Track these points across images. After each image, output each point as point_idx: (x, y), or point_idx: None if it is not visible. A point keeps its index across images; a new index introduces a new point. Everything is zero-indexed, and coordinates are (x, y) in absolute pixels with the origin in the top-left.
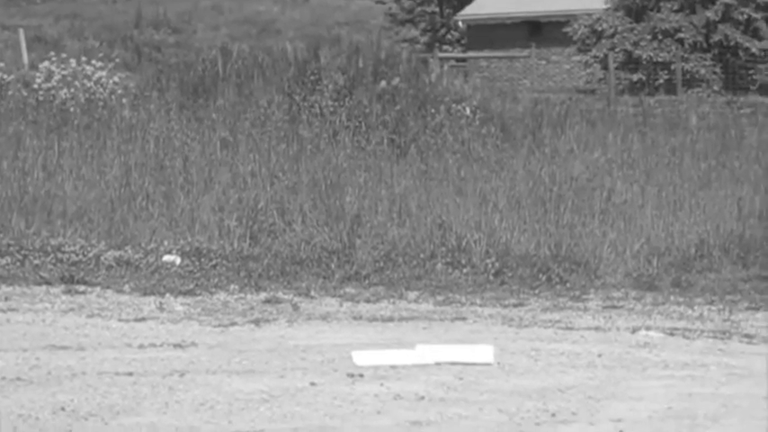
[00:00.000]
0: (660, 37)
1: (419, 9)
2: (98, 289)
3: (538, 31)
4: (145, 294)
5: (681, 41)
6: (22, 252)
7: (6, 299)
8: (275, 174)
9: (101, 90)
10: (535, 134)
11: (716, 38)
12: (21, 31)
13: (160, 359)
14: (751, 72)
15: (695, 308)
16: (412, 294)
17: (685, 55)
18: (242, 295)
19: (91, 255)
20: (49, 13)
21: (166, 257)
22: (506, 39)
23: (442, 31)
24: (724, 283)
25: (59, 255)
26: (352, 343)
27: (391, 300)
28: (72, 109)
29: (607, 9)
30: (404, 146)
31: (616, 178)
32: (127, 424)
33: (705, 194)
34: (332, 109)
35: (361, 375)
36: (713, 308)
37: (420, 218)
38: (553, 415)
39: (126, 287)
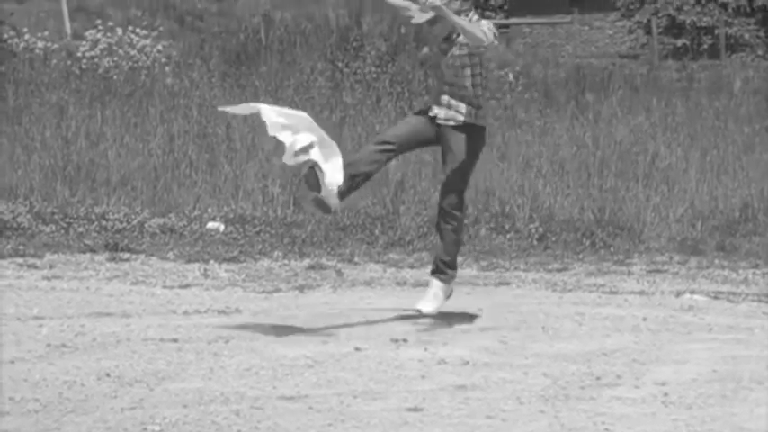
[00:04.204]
0: (704, 1)
1: None
2: (142, 256)
3: None
4: (189, 261)
5: (724, 6)
6: (67, 220)
7: (51, 267)
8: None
9: (144, 58)
10: (578, 99)
11: (760, 2)
12: (63, 0)
13: (205, 325)
14: None
15: (739, 271)
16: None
17: (729, 19)
18: (286, 262)
19: (135, 222)
20: None
21: (210, 224)
22: (549, 4)
23: None
24: None
25: (103, 222)
26: (396, 308)
27: None
28: (115, 77)
29: None
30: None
31: (660, 143)
32: (172, 390)
33: (749, 158)
34: (375, 75)
35: (405, 340)
36: (757, 271)
37: None
38: (598, 378)
39: (170, 254)
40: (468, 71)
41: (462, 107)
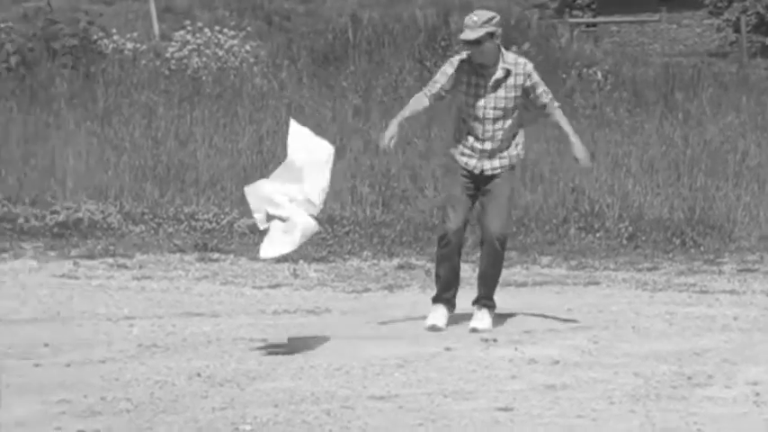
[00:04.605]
0: None
1: None
2: (231, 256)
3: None
4: (278, 262)
5: None
6: (156, 220)
7: (141, 267)
8: (407, 140)
9: (232, 59)
10: (667, 98)
11: None
12: (151, 1)
13: (294, 325)
14: None
15: None
16: (545, 259)
17: None
18: (375, 261)
19: (224, 222)
20: None
21: None
22: (637, 3)
23: None
24: None
25: (193, 223)
26: None
27: (524, 265)
28: (204, 78)
29: None
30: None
31: (750, 141)
32: (263, 389)
33: None
34: None
35: (495, 340)
36: None
37: (552, 183)
38: (689, 378)
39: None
40: (514, 113)
41: (508, 153)
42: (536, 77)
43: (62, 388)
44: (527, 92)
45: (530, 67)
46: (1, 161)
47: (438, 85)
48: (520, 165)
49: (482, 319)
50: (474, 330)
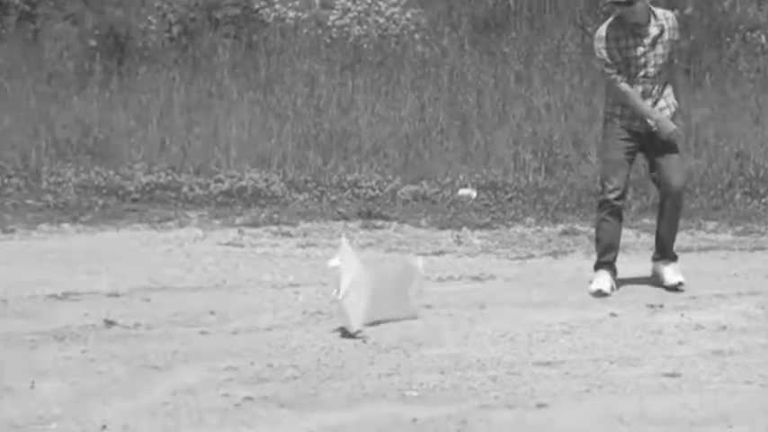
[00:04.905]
0: None
1: None
2: (395, 223)
3: None
4: (442, 228)
5: None
6: (320, 188)
7: (305, 234)
8: (570, 106)
9: (393, 26)
10: None
11: None
12: None
13: (458, 292)
14: None
15: None
16: (710, 225)
17: None
18: (539, 228)
19: (387, 190)
20: None
21: (462, 191)
22: None
23: None
24: None
25: (356, 190)
26: (648, 274)
27: (689, 230)
28: (365, 46)
29: None
30: (698, 75)
31: None
32: (428, 356)
33: None
34: None
35: (661, 306)
36: None
37: (717, 148)
38: None
39: (423, 221)
40: (668, 67)
41: (666, 104)
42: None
43: (229, 355)
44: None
45: (675, 20)
46: (165, 130)
47: (614, 64)
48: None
49: (676, 273)
50: (679, 285)
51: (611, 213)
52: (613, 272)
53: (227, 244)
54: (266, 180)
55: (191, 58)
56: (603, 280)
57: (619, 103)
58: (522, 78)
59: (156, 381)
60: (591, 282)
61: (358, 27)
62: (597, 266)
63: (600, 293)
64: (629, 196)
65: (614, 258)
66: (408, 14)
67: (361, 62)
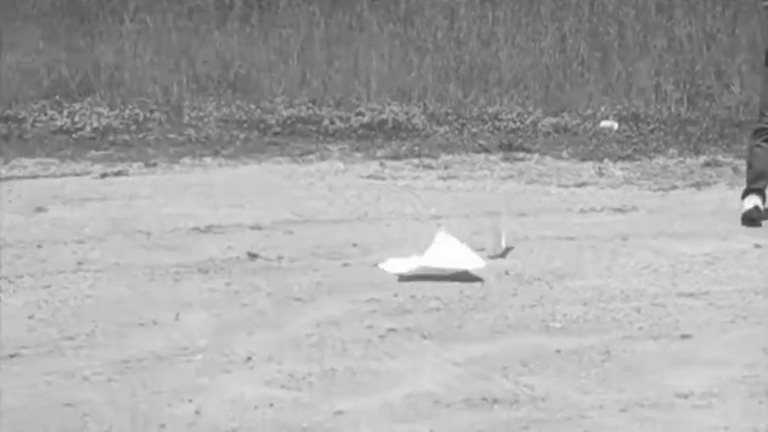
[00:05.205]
0: None
1: None
2: (536, 155)
3: None
4: (583, 160)
5: None
6: (460, 121)
7: (446, 167)
8: (712, 36)
9: None
10: None
11: None
12: None
13: (601, 224)
14: None
15: None
16: None
17: None
18: (681, 159)
19: (528, 122)
20: None
21: (603, 123)
22: None
23: None
24: None
25: (496, 122)
26: None
27: None
28: None
29: None
30: None
31: None
32: (571, 287)
33: None
34: None
35: None
36: None
37: None
38: None
39: (564, 153)
40: None
41: None
42: None
43: (371, 287)
44: None
45: None
46: (306, 64)
47: None
48: None
49: None
50: None
51: (764, 140)
52: (763, 198)
53: (369, 177)
54: (407, 113)
55: None
56: (752, 206)
57: None
58: (664, 8)
59: (300, 313)
60: (741, 207)
61: None
62: (746, 192)
63: (749, 218)
64: None
65: (765, 186)
66: None
67: None
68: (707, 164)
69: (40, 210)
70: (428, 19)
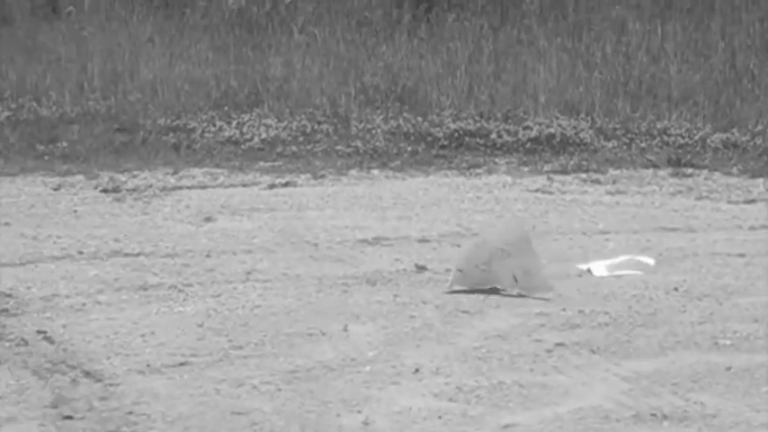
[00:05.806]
0: None
1: None
2: (705, 171)
3: None
4: (753, 176)
5: None
6: (629, 135)
7: (614, 182)
8: None
9: None
10: None
11: None
12: None
13: None
14: None
15: None
16: None
17: None
18: None
19: (697, 137)
20: None
21: None
22: None
23: None
24: None
25: (665, 138)
26: None
27: None
28: None
29: None
30: None
31: None
32: (741, 304)
33: None
34: None
35: None
36: None
37: None
38: None
39: (734, 169)
40: None
41: None
42: None
43: (540, 301)
44: None
45: None
46: (473, 77)
47: None
48: None
49: None
50: None
51: None
52: None
53: (536, 191)
54: (575, 127)
55: (499, 6)
56: None
57: None
58: None
59: (468, 325)
60: None
61: None
62: None
63: None
64: None
65: None
66: None
67: (670, 9)
68: None
69: (208, 219)
70: (597, 33)
